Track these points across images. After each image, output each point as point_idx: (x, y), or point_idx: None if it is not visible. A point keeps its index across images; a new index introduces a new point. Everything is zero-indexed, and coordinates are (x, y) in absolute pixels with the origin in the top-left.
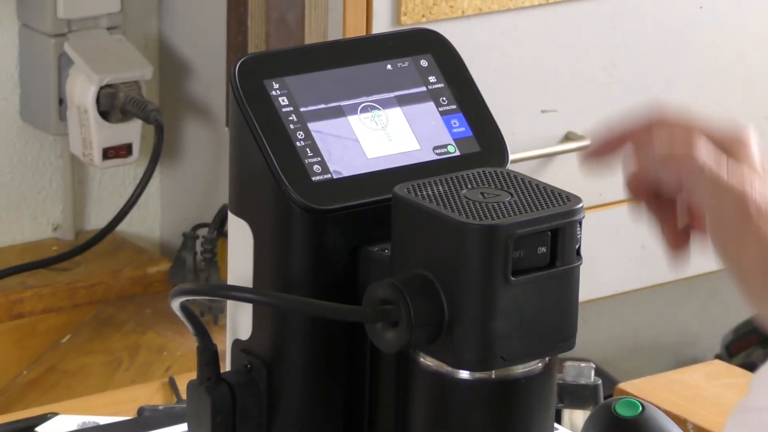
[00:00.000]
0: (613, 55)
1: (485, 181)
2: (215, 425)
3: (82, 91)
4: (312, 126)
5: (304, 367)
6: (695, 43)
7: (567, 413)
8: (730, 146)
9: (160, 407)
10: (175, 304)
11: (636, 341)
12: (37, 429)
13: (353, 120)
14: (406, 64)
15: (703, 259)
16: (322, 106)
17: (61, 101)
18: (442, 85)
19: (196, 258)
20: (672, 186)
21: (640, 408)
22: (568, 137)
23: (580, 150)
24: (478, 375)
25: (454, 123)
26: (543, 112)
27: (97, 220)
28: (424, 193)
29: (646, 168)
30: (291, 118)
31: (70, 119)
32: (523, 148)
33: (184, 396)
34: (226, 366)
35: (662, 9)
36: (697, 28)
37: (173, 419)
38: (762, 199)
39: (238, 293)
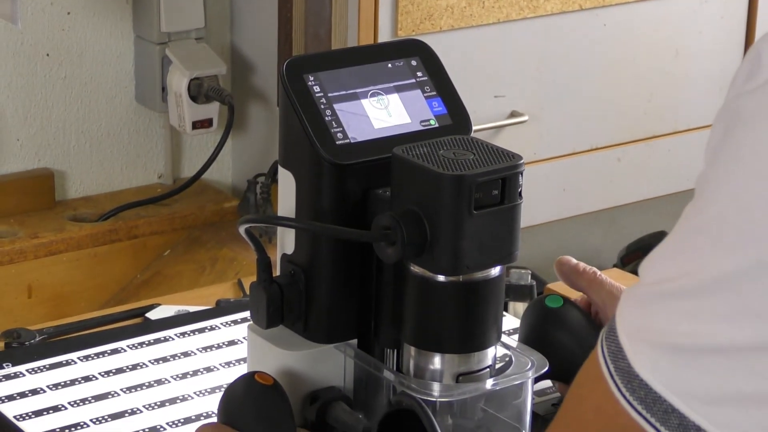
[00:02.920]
0: (544, 57)
1: (456, 144)
2: (269, 314)
3: (178, 82)
4: (336, 106)
5: (331, 273)
6: (602, 48)
7: (512, 305)
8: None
9: (231, 300)
10: (242, 229)
11: (559, 254)
12: (146, 315)
13: (365, 102)
14: (401, 63)
15: (604, 200)
16: (343, 92)
17: (164, 89)
18: (426, 78)
19: (256, 197)
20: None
21: (562, 301)
22: (513, 114)
23: (521, 123)
24: (450, 278)
25: (435, 104)
26: (496, 96)
27: (188, 171)
28: (414, 152)
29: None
30: (322, 100)
31: (169, 101)
32: (482, 122)
33: (248, 292)
34: (277, 272)
35: (577, 26)
36: (602, 37)
37: (240, 309)
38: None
39: (285, 221)
